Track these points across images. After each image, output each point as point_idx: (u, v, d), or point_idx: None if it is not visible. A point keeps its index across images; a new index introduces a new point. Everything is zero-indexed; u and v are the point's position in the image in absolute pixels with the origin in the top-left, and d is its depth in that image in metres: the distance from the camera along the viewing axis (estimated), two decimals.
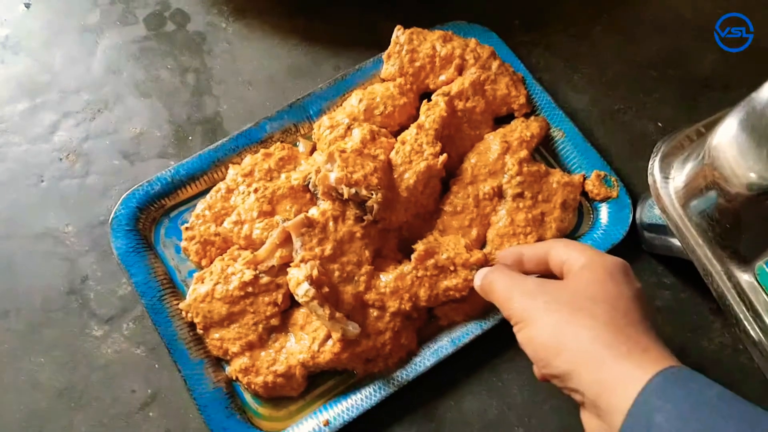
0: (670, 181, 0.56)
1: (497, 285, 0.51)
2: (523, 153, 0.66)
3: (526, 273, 0.53)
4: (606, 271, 0.46)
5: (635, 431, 0.36)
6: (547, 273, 0.53)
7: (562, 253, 0.50)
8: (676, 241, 0.58)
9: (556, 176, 0.67)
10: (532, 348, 0.45)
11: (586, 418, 0.43)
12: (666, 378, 0.37)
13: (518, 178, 0.65)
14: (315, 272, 0.57)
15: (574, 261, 0.48)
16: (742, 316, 0.52)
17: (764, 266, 0.51)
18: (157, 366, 0.63)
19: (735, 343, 0.64)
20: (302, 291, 0.56)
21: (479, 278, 0.55)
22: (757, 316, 0.51)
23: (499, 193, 0.66)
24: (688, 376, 0.38)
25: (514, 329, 0.47)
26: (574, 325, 0.43)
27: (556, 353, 0.43)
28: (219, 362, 0.62)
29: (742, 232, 0.51)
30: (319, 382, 0.62)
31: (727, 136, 0.47)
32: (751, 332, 0.52)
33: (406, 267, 0.61)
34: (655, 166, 0.58)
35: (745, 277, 0.52)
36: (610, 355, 0.40)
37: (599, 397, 0.39)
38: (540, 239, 0.64)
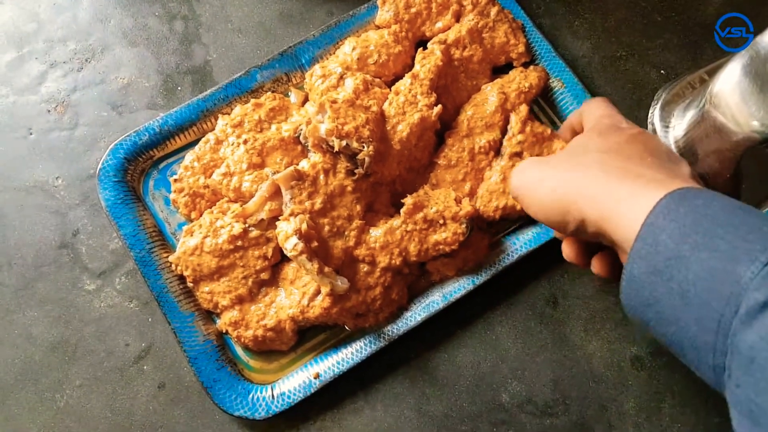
0: (670, 129, 0.55)
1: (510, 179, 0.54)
2: (524, 109, 0.64)
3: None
4: (593, 131, 0.49)
5: (643, 253, 0.37)
6: None
7: (578, 121, 0.56)
8: None
9: (561, 144, 0.64)
10: (543, 219, 0.47)
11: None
12: (672, 199, 0.37)
13: (519, 137, 0.63)
14: (304, 226, 0.56)
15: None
16: None
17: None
18: (150, 320, 0.63)
19: None
20: (291, 245, 0.55)
21: None
22: None
23: (495, 147, 0.64)
24: (696, 194, 0.37)
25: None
26: (571, 181, 0.44)
27: (564, 213, 0.44)
28: (209, 315, 0.62)
29: (741, 182, 0.50)
30: (310, 336, 0.62)
31: (729, 83, 0.45)
32: None
33: (396, 221, 0.60)
34: (655, 114, 0.56)
35: None
36: (611, 193, 0.41)
37: (615, 234, 0.40)
38: None
